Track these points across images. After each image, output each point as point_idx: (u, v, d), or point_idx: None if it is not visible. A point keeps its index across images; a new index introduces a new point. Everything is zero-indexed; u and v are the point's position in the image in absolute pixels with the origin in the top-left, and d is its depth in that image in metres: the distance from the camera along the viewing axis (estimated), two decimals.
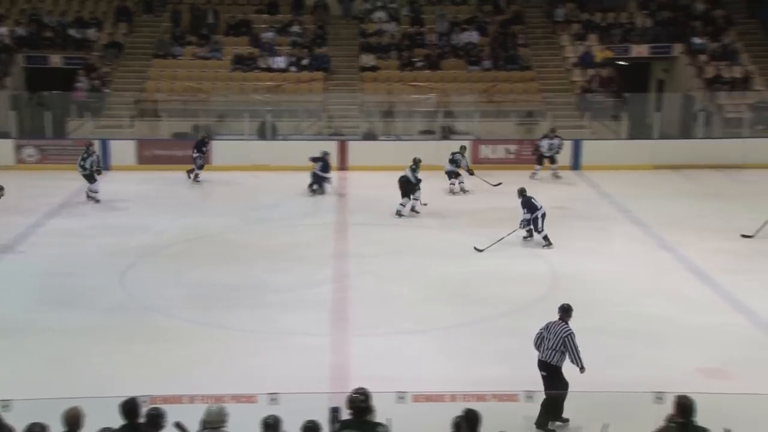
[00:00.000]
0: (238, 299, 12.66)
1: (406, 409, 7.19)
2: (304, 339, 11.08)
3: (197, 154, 20.55)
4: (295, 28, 26.39)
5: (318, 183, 19.50)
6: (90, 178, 18.46)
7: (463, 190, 19.63)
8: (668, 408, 6.79)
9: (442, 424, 6.73)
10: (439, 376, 9.71)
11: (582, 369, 8.73)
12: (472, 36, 26.16)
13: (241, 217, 17.63)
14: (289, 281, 13.43)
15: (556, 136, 21.18)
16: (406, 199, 17.43)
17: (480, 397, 7.47)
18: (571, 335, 8.78)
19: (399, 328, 11.49)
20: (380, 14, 27.12)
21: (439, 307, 12.35)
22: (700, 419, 6.63)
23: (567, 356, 8.76)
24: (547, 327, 8.98)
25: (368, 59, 25.51)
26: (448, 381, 9.25)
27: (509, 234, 15.37)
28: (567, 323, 8.92)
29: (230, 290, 13.04)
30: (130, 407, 6.61)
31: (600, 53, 25.41)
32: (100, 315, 11.99)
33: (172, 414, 6.73)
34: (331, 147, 21.04)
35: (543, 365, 8.86)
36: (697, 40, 25.44)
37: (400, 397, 7.18)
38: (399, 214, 17.41)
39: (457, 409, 6.70)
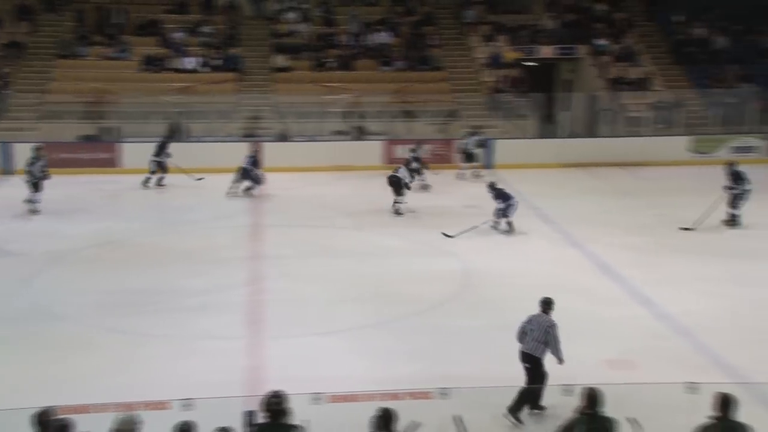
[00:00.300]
0: (151, 304, 12.41)
1: (322, 410, 7.20)
2: (219, 343, 10.95)
3: (161, 159, 19.95)
4: (206, 29, 26.03)
5: (246, 178, 19.15)
6: (36, 186, 17.47)
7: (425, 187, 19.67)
8: (577, 400, 6.99)
9: (358, 424, 6.76)
10: (356, 376, 9.74)
11: (561, 361, 8.95)
12: (384, 37, 26.32)
13: (153, 221, 17.30)
14: (203, 285, 13.24)
15: (478, 134, 21.56)
16: (400, 197, 17.61)
17: (395, 396, 7.54)
18: (554, 326, 9.05)
19: (315, 330, 11.48)
20: (292, 15, 27.01)
21: (355, 308, 12.38)
22: (607, 409, 6.85)
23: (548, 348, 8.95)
24: (530, 320, 9.19)
25: (281, 60, 25.37)
26: (365, 381, 9.29)
27: (483, 224, 15.96)
28: (549, 315, 9.17)
29: (143, 295, 12.78)
30: (43, 418, 6.41)
31: (509, 54, 25.93)
32: (5, 324, 11.57)
33: (83, 424, 6.56)
34: (243, 149, 20.80)
35: (527, 357, 9.03)
36: (599, 42, 26.21)
37: (317, 398, 7.19)
38: (398, 212, 17.57)
39: (373, 409, 6.74)
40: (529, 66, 26.42)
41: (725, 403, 6.66)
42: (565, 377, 8.42)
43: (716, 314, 12.06)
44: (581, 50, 26.43)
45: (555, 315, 11.89)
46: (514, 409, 8.76)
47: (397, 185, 17.72)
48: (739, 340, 11.08)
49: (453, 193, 19.91)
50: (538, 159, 22.08)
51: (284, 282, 13.47)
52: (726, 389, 6.85)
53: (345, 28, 26.71)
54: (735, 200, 16.62)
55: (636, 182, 20.62)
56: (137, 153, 21.34)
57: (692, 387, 6.78)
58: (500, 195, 16.34)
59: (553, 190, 19.91)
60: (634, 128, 23.77)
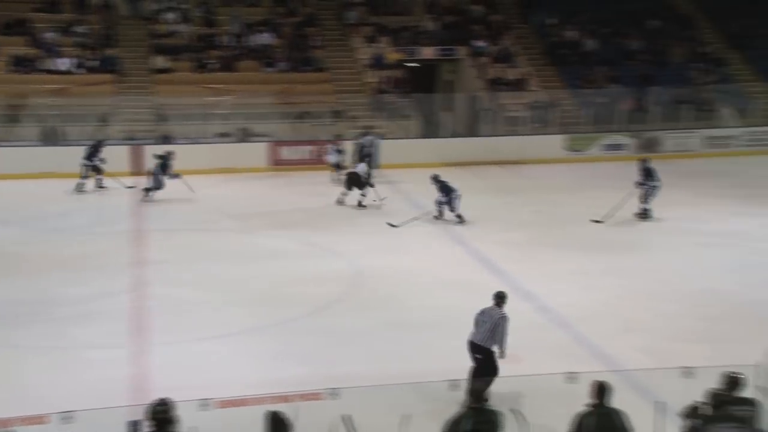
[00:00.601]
0: (26, 315, 11.87)
1: (211, 417, 7.06)
2: (101, 352, 10.58)
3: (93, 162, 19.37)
4: (80, 29, 25.11)
5: (157, 184, 18.64)
6: None
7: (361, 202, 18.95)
8: (463, 395, 7.12)
9: (248, 428, 6.67)
10: (245, 381, 9.61)
11: (503, 354, 9.19)
12: (266, 38, 26.09)
13: (25, 228, 16.54)
14: (82, 293, 12.77)
15: (370, 134, 21.66)
16: (364, 189, 18.15)
17: (285, 398, 7.48)
18: (504, 319, 9.29)
19: (202, 335, 11.26)
20: (171, 15, 26.40)
21: (242, 311, 12.22)
22: (493, 402, 7.01)
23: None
24: (483, 312, 9.45)
25: (161, 61, 24.76)
26: (254, 384, 9.18)
27: (424, 214, 16.60)
28: (501, 308, 9.39)
29: (16, 305, 12.21)
30: None
31: (391, 55, 26.18)
32: None
33: None
34: (124, 152, 20.21)
35: (477, 348, 9.24)
36: (478, 44, 26.81)
37: (204, 404, 7.05)
38: (360, 204, 18.14)
39: (262, 412, 6.67)
40: (411, 67, 26.75)
41: (601, 390, 6.93)
42: (452, 372, 8.57)
43: (593, 306, 12.54)
44: (461, 51, 26.96)
45: (441, 311, 12.21)
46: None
47: (357, 181, 18.20)
48: (614, 330, 11.56)
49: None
50: (422, 159, 22.37)
51: (168, 288, 13.14)
52: (602, 377, 7.13)
53: (226, 28, 26.32)
54: (646, 195, 17.35)
55: (516, 180, 21.21)
56: (8, 158, 20.39)
57: (572, 377, 7.03)
58: (444, 188, 16.99)
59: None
60: (512, 127, 24.43)
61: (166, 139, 22.23)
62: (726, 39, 28.08)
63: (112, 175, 19.41)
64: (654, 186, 17.31)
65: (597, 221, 16.98)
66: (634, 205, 17.41)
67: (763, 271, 13.94)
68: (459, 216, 16.90)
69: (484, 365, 9.20)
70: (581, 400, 6.98)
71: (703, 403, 7.05)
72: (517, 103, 25.17)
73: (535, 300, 12.78)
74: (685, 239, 15.91)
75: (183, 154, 20.78)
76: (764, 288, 13.06)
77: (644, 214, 17.38)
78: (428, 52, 26.98)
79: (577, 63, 26.66)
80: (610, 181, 20.79)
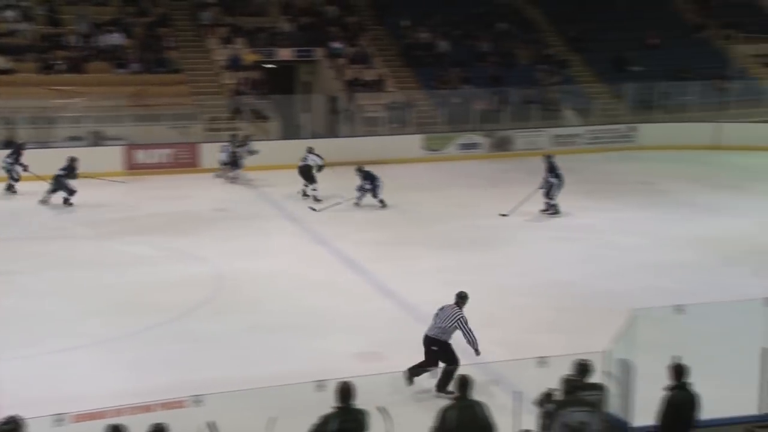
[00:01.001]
0: None
1: None
2: None
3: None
4: None
5: (60, 188, 18.04)
6: None
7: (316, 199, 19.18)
8: (330, 396, 7.15)
9: None
10: (104, 392, 9.25)
11: (477, 352, 9.52)
12: (116, 38, 25.19)
13: None
14: None
15: (247, 144, 21.31)
16: (313, 184, 18.88)
17: (147, 408, 7.27)
18: (463, 318, 9.67)
19: (57, 347, 10.77)
20: (11, 13, 25.02)
21: (101, 320, 11.78)
22: (360, 402, 7.07)
23: (454, 336, 9.61)
24: (442, 308, 9.86)
25: (1, 62, 23.44)
26: (114, 396, 8.85)
27: (347, 200, 17.96)
28: (461, 308, 9.77)
29: None
30: None
31: (248, 56, 25.89)
32: None
33: None
34: None
35: (431, 341, 9.64)
36: (335, 45, 26.94)
37: (59, 419, 6.74)
38: (315, 199, 18.80)
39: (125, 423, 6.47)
40: (269, 68, 26.56)
41: (462, 384, 7.15)
42: (317, 373, 8.58)
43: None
44: (318, 53, 27.01)
45: (304, 313, 12.22)
46: (442, 387, 9.15)
47: (308, 174, 18.84)
48: (474, 325, 11.85)
49: (200, 197, 19.53)
50: (283, 160, 22.22)
51: (17, 299, 12.50)
52: (464, 371, 7.34)
53: (73, 28, 25.23)
54: (551, 190, 17.89)
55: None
56: None
57: (434, 372, 7.19)
58: (368, 176, 18.42)
59: (298, 190, 20.12)
60: (371, 128, 24.71)
61: (9, 144, 21.07)
62: (567, 42, 29.48)
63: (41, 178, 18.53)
64: (559, 181, 17.89)
65: (504, 215, 17.52)
66: (540, 201, 17.96)
67: (610, 262, 14.73)
68: (381, 201, 18.28)
69: (443, 356, 9.55)
70: (445, 395, 7.16)
71: (556, 390, 7.40)
72: (375, 104, 25.47)
73: (398, 298, 12.99)
74: (537, 234, 16.59)
75: (32, 159, 19.79)
76: (611, 278, 13.80)
77: (550, 209, 17.98)
78: (285, 54, 26.87)
79: (431, 64, 27.25)
80: (467, 179, 21.44)
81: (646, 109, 26.49)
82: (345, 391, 7.01)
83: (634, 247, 15.53)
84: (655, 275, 13.88)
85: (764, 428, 7.21)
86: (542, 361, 7.20)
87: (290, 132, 24.46)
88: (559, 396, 7.47)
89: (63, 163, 18.37)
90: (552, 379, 7.41)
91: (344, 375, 7.43)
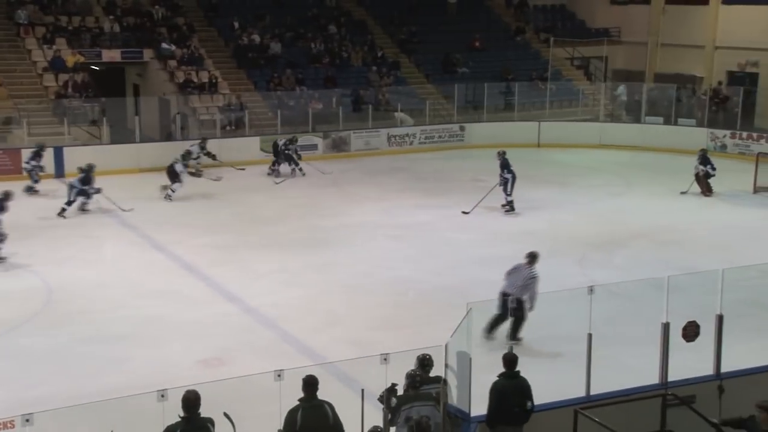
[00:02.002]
0: None
1: None
2: None
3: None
4: None
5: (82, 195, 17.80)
6: None
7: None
8: (173, 405, 6.96)
9: None
10: None
11: (532, 307, 10.71)
12: None
13: None
14: None
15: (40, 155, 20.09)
16: (177, 184, 18.95)
17: None
18: (535, 279, 10.79)
19: None
20: None
21: None
22: (204, 409, 6.91)
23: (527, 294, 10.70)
24: (516, 268, 11.01)
25: None
26: None
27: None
28: (534, 268, 10.90)
29: None
30: None
31: (71, 58, 24.65)
32: None
33: None
34: None
35: (508, 296, 10.80)
36: (164, 46, 26.17)
37: None
38: (168, 197, 18.93)
39: None
40: (96, 70, 25.41)
41: (308, 385, 7.17)
42: (160, 382, 8.32)
43: (298, 303, 12.84)
44: (147, 54, 26.15)
45: (139, 322, 11.82)
46: (513, 336, 10.73)
47: (174, 174, 18.95)
48: (319, 325, 11.94)
49: (26, 205, 18.39)
50: (115, 164, 21.36)
51: None
52: (309, 372, 7.34)
53: None
54: (506, 187, 18.18)
55: (213, 183, 21.04)
56: None
57: (279, 374, 7.15)
58: (288, 157, 20.89)
59: (132, 195, 19.38)
60: (207, 131, 24.18)
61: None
62: (397, 44, 30.12)
63: None
64: (511, 177, 18.15)
65: (465, 212, 17.91)
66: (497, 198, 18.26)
67: (447, 258, 15.16)
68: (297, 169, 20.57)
69: (517, 310, 10.71)
70: (293, 396, 7.13)
71: (399, 385, 7.55)
72: (210, 106, 24.97)
73: (240, 302, 12.82)
74: (377, 233, 16.83)
75: None
76: (450, 273, 14.20)
77: (507, 206, 18.30)
78: (112, 55, 25.84)
79: (264, 66, 27.04)
80: (305, 180, 21.45)
81: (474, 109, 27.51)
82: (189, 401, 6.84)
83: (468, 243, 16.08)
84: (489, 269, 14.38)
85: (591, 409, 7.67)
86: (386, 357, 7.31)
87: (120, 136, 23.54)
88: (402, 391, 7.63)
89: None
90: (396, 375, 7.55)
91: (187, 383, 7.25)
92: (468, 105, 27.60)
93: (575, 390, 8.42)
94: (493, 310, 11.01)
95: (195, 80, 25.51)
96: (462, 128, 26.51)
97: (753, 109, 26.96)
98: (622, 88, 29.69)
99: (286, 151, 21.88)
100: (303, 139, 24.24)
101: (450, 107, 27.32)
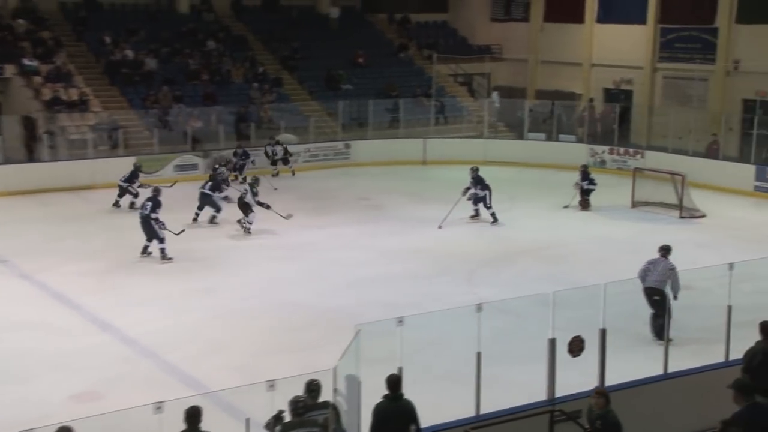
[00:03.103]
0: None
1: None
2: None
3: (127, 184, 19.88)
4: None
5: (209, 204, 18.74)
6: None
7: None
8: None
9: None
10: None
11: (676, 298, 11.37)
12: None
13: None
14: None
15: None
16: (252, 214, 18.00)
17: None
18: (674, 269, 11.62)
19: None
20: None
21: None
22: None
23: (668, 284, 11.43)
24: (653, 262, 11.87)
25: None
26: None
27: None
28: (669, 259, 11.81)
29: None
30: None
31: None
32: None
33: None
34: None
35: (653, 291, 11.62)
36: (28, 62, 25.16)
37: None
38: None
39: None
40: None
41: (190, 416, 7.01)
42: (30, 421, 7.94)
43: (178, 331, 12.53)
44: (9, 70, 25.05)
45: (9, 356, 11.27)
46: (660, 334, 11.16)
47: (245, 206, 17.99)
48: (201, 353, 11.68)
49: None
50: None
51: None
52: (191, 402, 7.18)
53: None
54: (485, 201, 19.00)
55: (86, 206, 20.36)
56: None
57: (159, 407, 6.94)
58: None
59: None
60: (78, 151, 23.36)
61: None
62: (279, 60, 30.02)
63: None
64: (488, 192, 18.97)
65: (440, 227, 18.18)
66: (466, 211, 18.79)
67: (335, 279, 15.14)
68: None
69: (662, 304, 11.26)
70: (173, 430, 6.95)
71: (285, 412, 7.48)
72: (81, 125, 24.12)
73: (115, 331, 12.42)
74: (262, 254, 16.65)
75: None
76: (337, 295, 14.18)
77: (493, 217, 19.08)
78: None
79: (139, 82, 26.39)
80: (186, 201, 21.00)
81: (359, 126, 27.72)
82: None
83: (356, 263, 16.13)
84: (377, 289, 14.51)
85: (481, 428, 7.80)
86: (272, 384, 7.22)
87: None
88: (288, 418, 7.55)
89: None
90: (284, 402, 7.47)
91: (60, 420, 6.96)
92: (353, 122, 27.78)
93: (465, 410, 8.55)
94: (384, 331, 11.03)
95: (64, 97, 24.61)
96: (347, 146, 26.66)
97: (629, 126, 28.25)
98: (495, 95, 30.66)
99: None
100: (181, 159, 23.83)
101: (334, 124, 27.41)
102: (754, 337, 8.96)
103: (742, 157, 24.26)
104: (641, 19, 28.92)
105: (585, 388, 8.58)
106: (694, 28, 27.77)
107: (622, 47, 29.44)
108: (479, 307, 8.45)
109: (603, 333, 9.04)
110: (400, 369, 8.17)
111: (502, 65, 33.35)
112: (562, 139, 27.17)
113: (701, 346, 11.01)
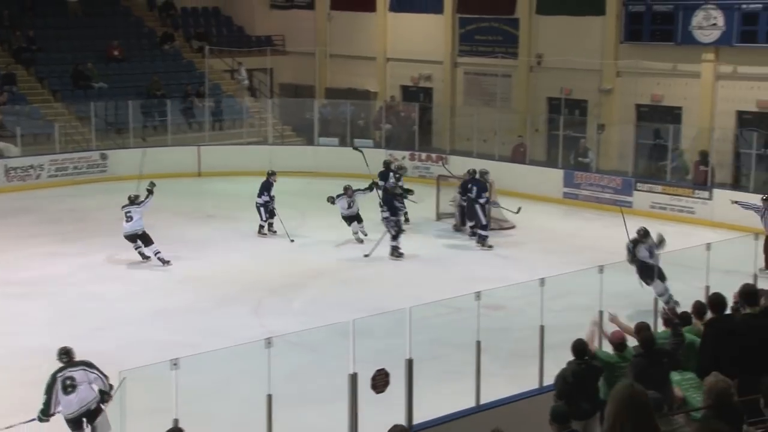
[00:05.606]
0: None
1: None
2: None
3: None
4: None
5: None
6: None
7: None
8: None
9: None
10: None
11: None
12: None
13: None
14: None
15: None
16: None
17: None
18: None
19: None
20: None
21: None
22: None
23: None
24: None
25: None
26: None
27: None
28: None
29: None
30: None
31: None
32: None
33: None
34: None
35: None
36: None
37: None
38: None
39: None
40: None
41: None
42: None
43: None
44: None
45: None
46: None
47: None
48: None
49: None
50: None
51: None
52: None
53: None
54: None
55: None
56: None
57: None
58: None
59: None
60: None
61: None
62: (11, 52, 28.58)
63: None
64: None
65: (366, 255, 18.34)
66: None
67: (92, 318, 14.62)
68: None
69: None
70: None
71: None
72: None
73: None
74: None
75: None
76: (95, 337, 13.59)
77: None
78: None
79: None
80: None
81: (118, 132, 26.97)
82: None
83: (118, 296, 15.71)
84: (146, 326, 14.19)
85: None
86: None
87: None
88: None
89: None
90: None
91: None
92: (109, 128, 27.02)
93: None
94: (155, 376, 10.80)
95: None
96: (104, 156, 25.88)
97: (430, 128, 29.15)
98: (244, 73, 31.13)
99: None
100: None
101: (87, 131, 26.52)
102: (567, 357, 9.48)
103: (550, 161, 25.78)
104: (437, 9, 29.74)
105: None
106: (494, 18, 28.87)
107: (419, 39, 30.27)
108: (269, 342, 8.49)
109: (410, 363, 9.31)
110: (176, 421, 8.06)
111: (286, 59, 33.47)
112: (358, 144, 27.72)
113: (515, 370, 11.64)
